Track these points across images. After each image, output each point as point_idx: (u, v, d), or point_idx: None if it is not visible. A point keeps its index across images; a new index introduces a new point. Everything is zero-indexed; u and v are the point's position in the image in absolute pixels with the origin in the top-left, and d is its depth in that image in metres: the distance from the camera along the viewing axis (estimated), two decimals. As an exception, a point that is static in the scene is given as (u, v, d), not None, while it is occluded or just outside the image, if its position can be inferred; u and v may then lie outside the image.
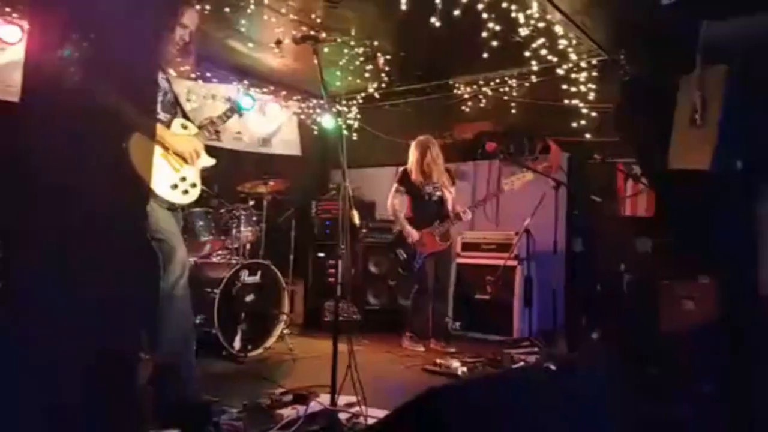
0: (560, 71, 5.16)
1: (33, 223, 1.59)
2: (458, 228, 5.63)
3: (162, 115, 2.76)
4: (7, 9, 4.30)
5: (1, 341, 1.42)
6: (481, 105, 5.81)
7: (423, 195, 4.83)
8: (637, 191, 5.09)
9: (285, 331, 4.48)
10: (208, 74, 5.57)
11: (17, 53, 4.37)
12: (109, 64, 1.70)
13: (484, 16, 4.30)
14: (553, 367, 1.75)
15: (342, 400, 2.68)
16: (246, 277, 4.20)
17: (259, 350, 4.22)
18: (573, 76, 5.14)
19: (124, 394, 1.68)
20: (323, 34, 2.95)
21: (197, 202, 3.03)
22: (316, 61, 2.90)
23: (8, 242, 1.66)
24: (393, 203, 4.83)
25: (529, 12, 4.29)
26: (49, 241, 1.56)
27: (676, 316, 4.22)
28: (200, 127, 2.95)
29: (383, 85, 6.01)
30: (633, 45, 4.68)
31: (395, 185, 4.87)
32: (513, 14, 4.30)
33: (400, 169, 5.04)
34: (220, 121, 3.03)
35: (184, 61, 2.88)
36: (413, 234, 4.73)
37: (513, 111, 5.60)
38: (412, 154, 4.86)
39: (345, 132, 5.92)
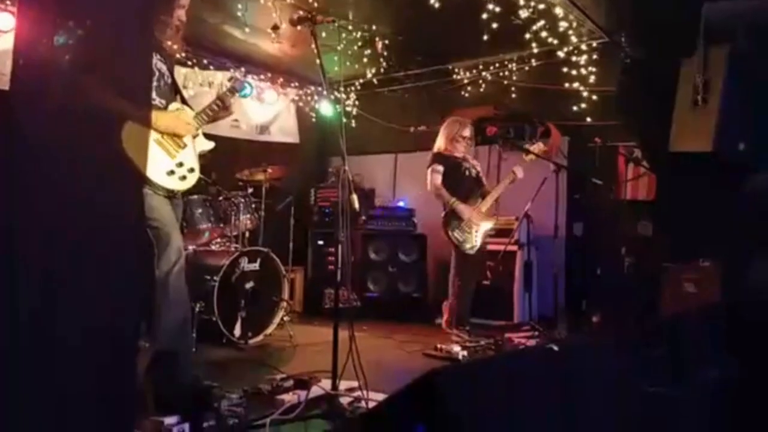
0: (561, 54, 5.11)
1: (25, 214, 1.56)
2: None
3: (158, 101, 2.70)
4: (0, -4, 4.25)
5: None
6: (481, 90, 5.77)
7: (462, 171, 4.51)
8: (638, 175, 5.06)
9: (285, 318, 4.47)
10: (205, 61, 5.52)
11: (10, 41, 4.30)
12: (101, 50, 1.67)
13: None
14: (555, 348, 1.74)
15: (343, 384, 2.68)
16: (245, 265, 4.18)
17: (260, 337, 4.22)
18: (573, 59, 5.09)
19: (123, 382, 1.67)
20: (320, 17, 2.88)
21: (196, 190, 2.98)
22: (313, 45, 2.85)
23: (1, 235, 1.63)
24: (435, 183, 4.40)
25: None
26: (42, 232, 1.53)
27: (677, 298, 4.20)
28: (200, 113, 2.89)
29: (382, 71, 5.95)
30: (634, 27, 4.62)
31: (432, 167, 4.45)
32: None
33: (431, 153, 4.63)
34: (226, 97, 2.92)
35: (174, 40, 2.82)
36: (466, 211, 4.35)
37: (513, 95, 5.56)
38: (446, 132, 4.59)
39: (344, 119, 5.91)
